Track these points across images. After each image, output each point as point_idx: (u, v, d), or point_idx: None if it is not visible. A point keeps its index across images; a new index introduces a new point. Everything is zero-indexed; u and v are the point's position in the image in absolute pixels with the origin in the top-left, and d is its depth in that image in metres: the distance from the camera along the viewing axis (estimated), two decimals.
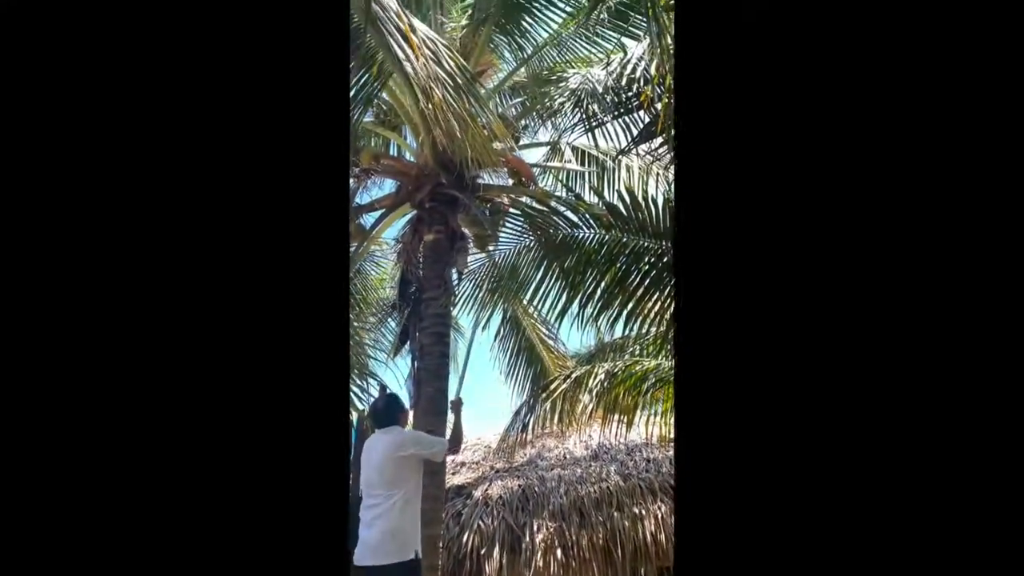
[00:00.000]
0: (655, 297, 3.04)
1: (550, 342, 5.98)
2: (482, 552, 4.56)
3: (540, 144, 5.19)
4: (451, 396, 3.77)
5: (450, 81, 2.54)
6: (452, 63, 2.61)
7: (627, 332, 4.40)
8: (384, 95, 4.12)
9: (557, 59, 4.78)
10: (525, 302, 4.90)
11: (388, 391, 3.33)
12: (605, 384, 4.09)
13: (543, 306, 3.52)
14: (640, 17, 4.11)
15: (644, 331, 3.90)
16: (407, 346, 4.67)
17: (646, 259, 3.05)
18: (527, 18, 4.41)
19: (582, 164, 5.05)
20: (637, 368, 4.07)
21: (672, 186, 4.61)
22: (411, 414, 3.73)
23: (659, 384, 3.92)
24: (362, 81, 2.89)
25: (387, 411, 2.48)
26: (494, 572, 4.49)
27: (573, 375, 4.37)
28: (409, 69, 2.27)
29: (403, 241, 4.62)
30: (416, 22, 2.55)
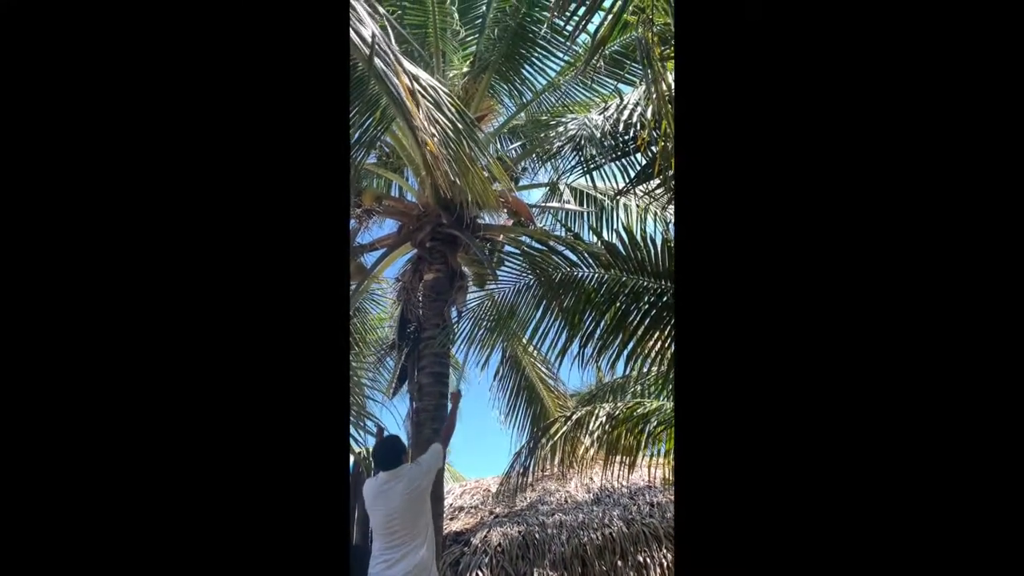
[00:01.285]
0: (655, 336, 3.02)
1: (550, 381, 5.92)
2: None
3: (539, 185, 5.29)
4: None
5: (451, 127, 2.60)
6: (453, 110, 2.68)
7: (628, 372, 4.35)
8: (387, 137, 4.23)
9: (556, 104, 4.94)
10: (525, 341, 4.87)
11: (385, 431, 3.28)
12: (607, 427, 4.02)
13: (543, 345, 3.50)
14: (635, 64, 4.27)
15: (645, 370, 3.86)
16: (405, 386, 4.62)
17: (646, 298, 3.05)
18: (527, 66, 4.58)
19: (581, 204, 5.13)
20: (639, 410, 4.00)
21: (670, 226, 4.66)
22: (410, 455, 3.66)
23: (661, 427, 3.85)
24: (366, 125, 2.97)
25: (394, 453, 2.50)
26: None
27: (574, 417, 4.29)
28: (410, 118, 2.34)
29: (403, 279, 4.64)
30: (418, 71, 2.64)
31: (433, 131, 2.47)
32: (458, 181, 2.74)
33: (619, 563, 4.43)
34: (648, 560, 4.42)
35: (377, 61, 2.14)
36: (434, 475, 2.48)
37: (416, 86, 2.42)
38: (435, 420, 3.94)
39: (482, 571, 4.50)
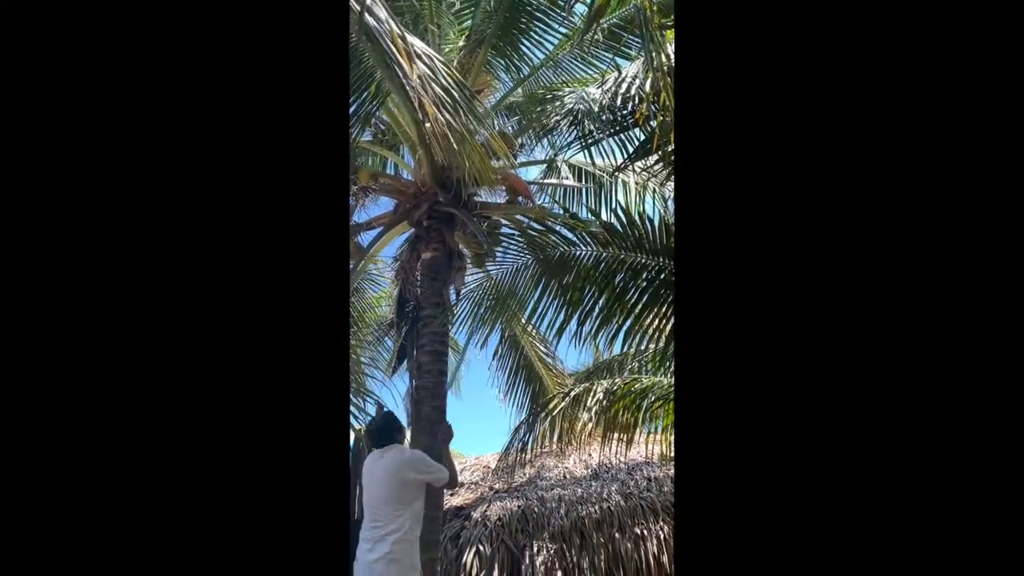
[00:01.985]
0: (653, 313, 3.03)
1: (549, 360, 5.95)
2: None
3: (537, 162, 5.23)
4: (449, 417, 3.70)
5: (447, 97, 2.55)
6: (450, 79, 2.63)
7: (626, 349, 4.38)
8: (382, 114, 4.16)
9: (553, 79, 4.85)
10: (524, 320, 4.88)
11: (385, 409, 3.29)
12: (604, 402, 4.05)
13: (541, 324, 3.51)
14: (634, 37, 4.18)
15: (643, 348, 3.87)
16: (404, 365, 4.64)
17: (644, 276, 3.04)
18: (524, 39, 4.49)
19: (579, 181, 5.08)
20: (636, 386, 4.03)
21: (668, 203, 4.63)
22: (408, 433, 3.68)
23: (659, 402, 3.88)
24: (361, 99, 2.91)
25: (384, 430, 2.46)
26: None
27: (572, 393, 4.32)
28: (405, 80, 2.28)
29: (401, 259, 4.62)
30: (413, 39, 2.58)
31: (428, 98, 2.42)
32: (456, 147, 2.69)
33: (617, 535, 4.51)
34: (645, 532, 4.51)
35: (371, 20, 2.08)
36: (423, 479, 2.32)
37: (413, 51, 2.36)
38: (434, 398, 3.96)
39: (482, 544, 4.58)
